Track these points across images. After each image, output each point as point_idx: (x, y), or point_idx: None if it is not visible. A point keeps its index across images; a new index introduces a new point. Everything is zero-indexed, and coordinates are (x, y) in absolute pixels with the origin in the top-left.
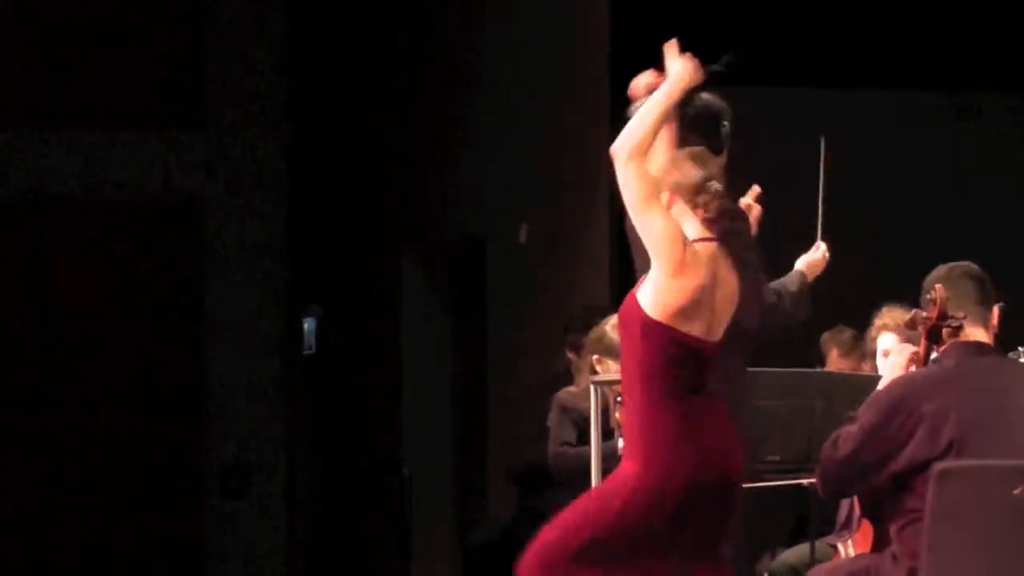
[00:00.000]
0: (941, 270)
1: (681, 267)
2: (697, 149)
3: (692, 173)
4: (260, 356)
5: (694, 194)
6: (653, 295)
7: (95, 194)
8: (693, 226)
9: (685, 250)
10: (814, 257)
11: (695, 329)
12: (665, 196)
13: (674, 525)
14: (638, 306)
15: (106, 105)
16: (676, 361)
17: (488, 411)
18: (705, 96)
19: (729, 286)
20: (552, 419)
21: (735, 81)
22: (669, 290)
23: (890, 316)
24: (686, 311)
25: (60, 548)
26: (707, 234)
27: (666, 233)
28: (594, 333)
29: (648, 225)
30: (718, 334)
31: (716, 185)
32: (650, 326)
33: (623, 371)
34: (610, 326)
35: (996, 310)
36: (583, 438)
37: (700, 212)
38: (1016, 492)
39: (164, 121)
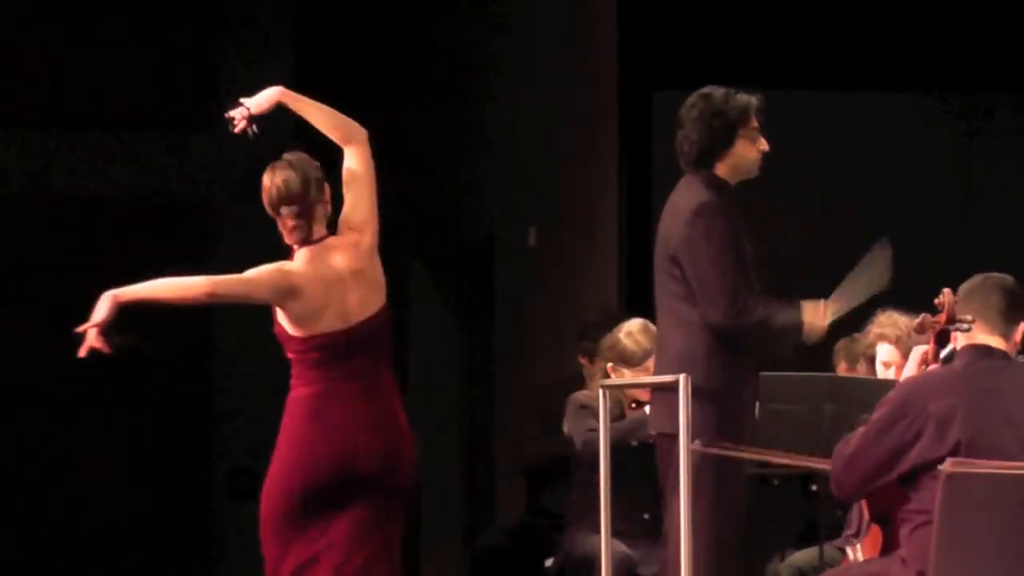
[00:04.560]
0: (976, 279)
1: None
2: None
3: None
4: (271, 358)
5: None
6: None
7: (99, 196)
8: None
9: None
10: (818, 314)
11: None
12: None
13: None
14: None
15: (110, 106)
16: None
17: (496, 413)
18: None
19: (341, 270)
20: (570, 416)
21: (742, 83)
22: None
23: (889, 324)
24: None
25: (68, 547)
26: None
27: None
28: (607, 341)
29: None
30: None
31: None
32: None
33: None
34: (623, 333)
35: (1022, 326)
36: None
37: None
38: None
39: (170, 123)
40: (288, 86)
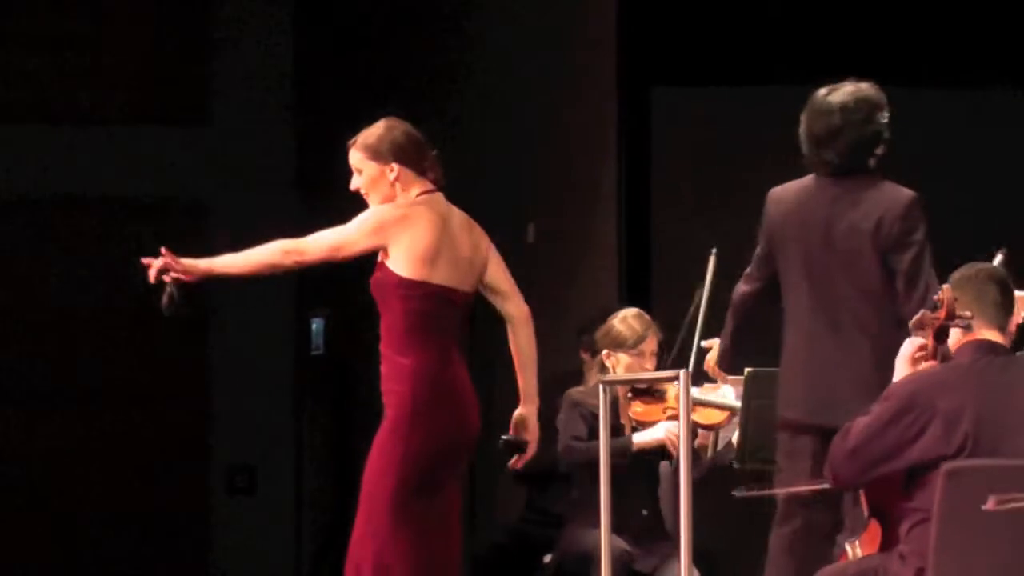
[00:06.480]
0: (967, 270)
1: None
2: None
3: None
4: (268, 356)
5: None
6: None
7: (97, 192)
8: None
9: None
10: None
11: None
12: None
13: None
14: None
15: (108, 102)
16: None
17: (495, 411)
18: None
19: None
20: (562, 415)
21: (740, 79)
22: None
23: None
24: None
25: (66, 545)
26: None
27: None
28: (602, 329)
29: None
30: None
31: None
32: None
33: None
34: (618, 320)
35: (1015, 317)
36: (592, 434)
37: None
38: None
39: (168, 119)
40: (284, 82)
